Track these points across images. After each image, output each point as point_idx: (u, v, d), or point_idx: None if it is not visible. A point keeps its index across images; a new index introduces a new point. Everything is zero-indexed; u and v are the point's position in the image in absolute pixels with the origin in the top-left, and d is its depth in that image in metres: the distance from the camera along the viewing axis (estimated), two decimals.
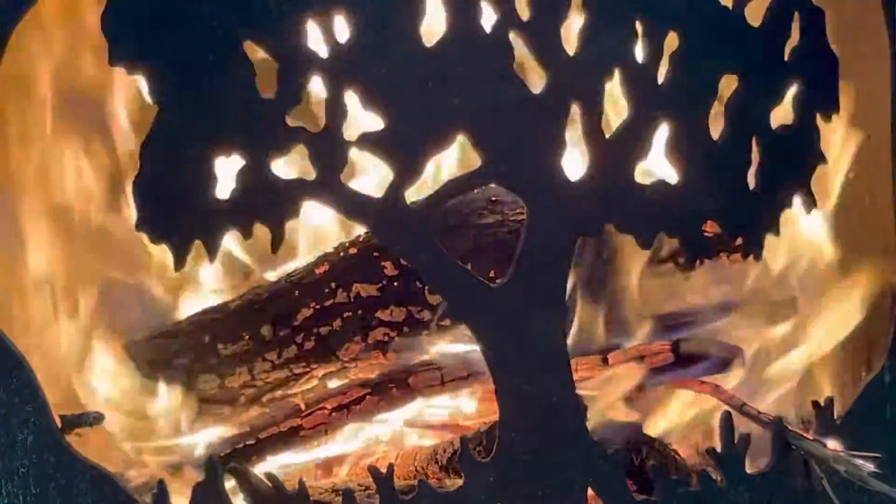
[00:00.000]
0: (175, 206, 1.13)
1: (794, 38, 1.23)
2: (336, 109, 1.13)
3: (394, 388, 1.32)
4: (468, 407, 1.39)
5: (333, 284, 1.32)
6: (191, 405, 1.30)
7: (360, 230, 1.31)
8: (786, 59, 1.23)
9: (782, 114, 1.24)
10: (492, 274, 1.27)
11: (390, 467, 1.18)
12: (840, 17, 1.28)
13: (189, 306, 1.37)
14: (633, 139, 1.19)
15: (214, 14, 1.11)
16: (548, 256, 1.19)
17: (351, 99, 1.13)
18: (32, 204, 1.26)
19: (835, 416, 1.27)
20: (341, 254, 1.34)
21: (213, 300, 1.37)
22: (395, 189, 1.15)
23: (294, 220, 1.15)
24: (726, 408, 1.29)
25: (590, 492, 1.21)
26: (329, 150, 1.14)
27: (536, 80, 1.17)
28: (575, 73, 1.17)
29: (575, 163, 1.19)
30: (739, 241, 1.29)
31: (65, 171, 1.30)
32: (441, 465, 1.29)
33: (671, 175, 1.21)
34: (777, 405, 1.37)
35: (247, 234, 1.14)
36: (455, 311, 1.20)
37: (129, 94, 1.28)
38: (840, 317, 1.37)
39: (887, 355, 1.30)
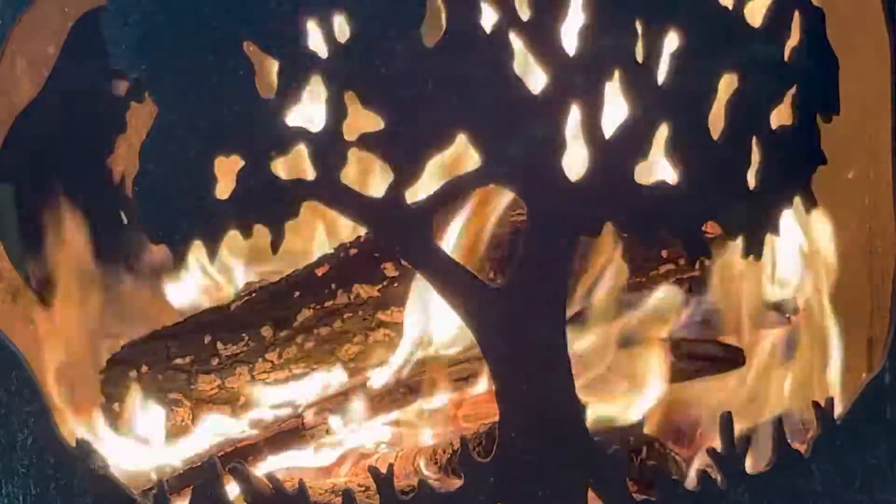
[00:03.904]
0: (175, 206, 1.13)
1: (794, 38, 1.23)
2: (336, 109, 1.13)
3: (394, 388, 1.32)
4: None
5: (333, 285, 1.32)
6: None
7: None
8: (786, 59, 1.23)
9: (782, 114, 1.24)
10: (492, 274, 1.27)
11: (390, 467, 1.18)
12: (840, 17, 1.28)
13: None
14: (633, 139, 1.19)
15: (214, 14, 1.11)
16: (548, 256, 1.19)
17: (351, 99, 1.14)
18: None
19: (835, 416, 1.27)
20: (341, 254, 1.34)
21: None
22: (395, 189, 1.15)
23: None
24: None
25: (590, 492, 1.21)
26: (329, 150, 1.14)
27: (536, 81, 1.17)
28: (575, 73, 1.17)
29: (575, 163, 1.19)
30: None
31: None
32: (441, 465, 1.29)
33: (671, 175, 1.21)
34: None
35: (247, 234, 1.14)
36: (455, 311, 1.20)
37: None
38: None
39: (887, 355, 1.30)
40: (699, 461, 1.30)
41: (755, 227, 1.25)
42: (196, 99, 1.12)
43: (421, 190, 1.17)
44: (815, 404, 1.28)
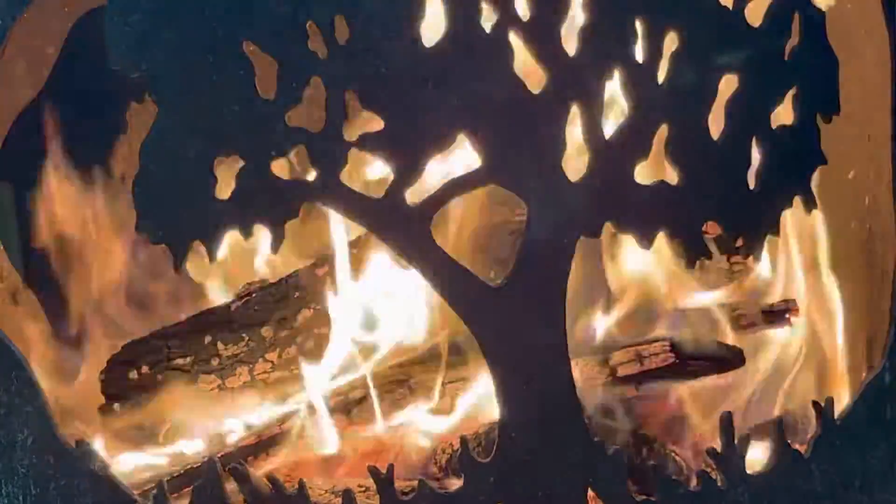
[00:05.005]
0: (175, 206, 1.13)
1: (794, 38, 1.23)
2: (336, 109, 1.13)
3: (394, 388, 1.32)
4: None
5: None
6: None
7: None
8: (786, 59, 1.23)
9: (782, 114, 1.24)
10: (492, 274, 1.27)
11: (390, 467, 1.18)
12: (840, 17, 1.28)
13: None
14: (633, 139, 1.19)
15: (214, 14, 1.11)
16: (548, 256, 1.19)
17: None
18: None
19: (835, 416, 1.27)
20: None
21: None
22: (395, 189, 1.15)
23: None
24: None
25: (590, 492, 1.21)
26: (329, 150, 1.14)
27: (536, 80, 1.17)
28: (575, 73, 1.17)
29: (575, 163, 1.19)
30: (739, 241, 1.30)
31: None
32: (441, 466, 1.29)
33: (671, 175, 1.21)
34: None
35: (247, 234, 1.14)
36: (455, 311, 1.20)
37: None
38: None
39: (887, 355, 1.30)
40: (699, 461, 1.30)
41: (755, 228, 1.25)
42: (196, 99, 1.12)
43: (421, 190, 1.17)
44: (815, 404, 1.28)
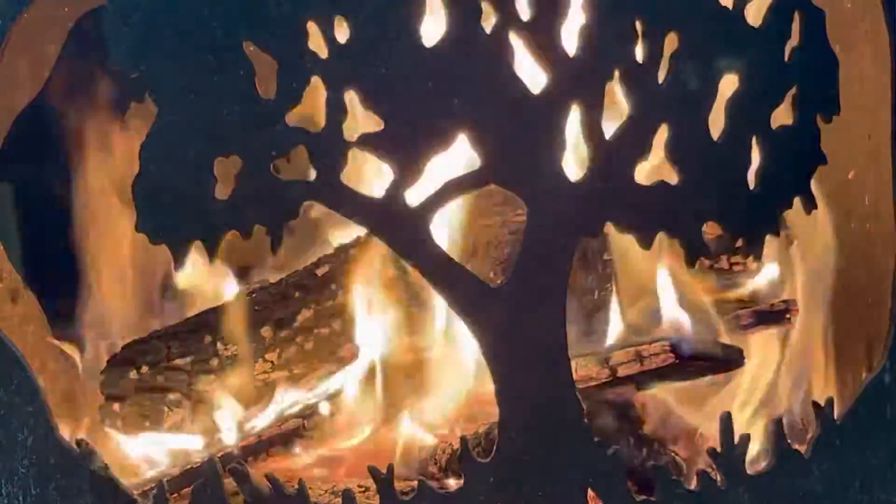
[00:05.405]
0: (175, 206, 1.13)
1: (794, 38, 1.23)
2: (336, 109, 1.13)
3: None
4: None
5: (333, 285, 1.33)
6: None
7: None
8: (786, 59, 1.23)
9: (782, 114, 1.24)
10: (492, 274, 1.27)
11: (390, 467, 1.18)
12: (840, 17, 1.28)
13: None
14: (633, 139, 1.19)
15: (214, 14, 1.11)
16: (548, 256, 1.19)
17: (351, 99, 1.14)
18: None
19: (835, 416, 1.27)
20: (341, 254, 1.34)
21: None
22: (395, 189, 1.15)
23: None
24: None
25: (590, 492, 1.21)
26: (329, 150, 1.14)
27: (536, 80, 1.17)
28: (575, 73, 1.17)
29: (575, 163, 1.19)
30: (739, 242, 1.30)
31: None
32: (441, 465, 1.29)
33: (671, 175, 1.21)
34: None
35: (247, 234, 1.14)
36: (455, 311, 1.20)
37: None
38: None
39: (887, 355, 1.30)
40: (699, 461, 1.30)
41: (755, 228, 1.25)
42: (196, 99, 1.12)
43: (421, 190, 1.17)
44: (815, 404, 1.28)
